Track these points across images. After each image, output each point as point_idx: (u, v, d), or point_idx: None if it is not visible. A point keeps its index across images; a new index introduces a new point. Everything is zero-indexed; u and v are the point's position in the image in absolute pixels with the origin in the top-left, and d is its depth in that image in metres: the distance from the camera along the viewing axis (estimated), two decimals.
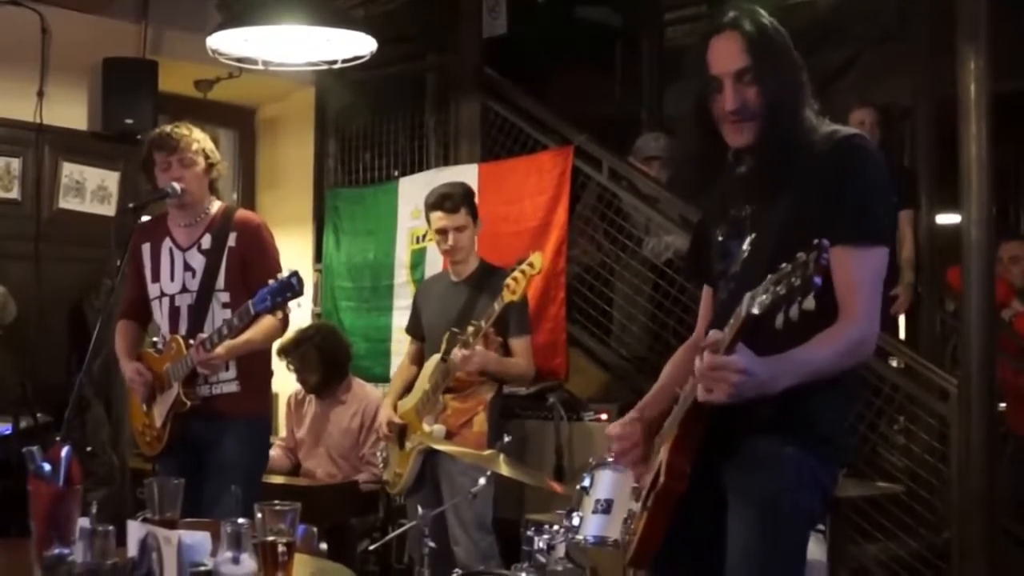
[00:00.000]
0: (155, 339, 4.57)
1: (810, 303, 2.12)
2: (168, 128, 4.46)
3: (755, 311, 2.19)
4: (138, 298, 4.54)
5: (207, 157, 4.43)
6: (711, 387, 2.29)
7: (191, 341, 4.26)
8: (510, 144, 6.48)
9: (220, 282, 4.36)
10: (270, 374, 4.62)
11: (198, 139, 4.42)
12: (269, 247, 4.47)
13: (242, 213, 4.52)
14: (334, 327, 6.24)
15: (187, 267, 4.40)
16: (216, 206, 4.50)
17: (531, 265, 4.48)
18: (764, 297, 2.16)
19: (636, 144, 6.58)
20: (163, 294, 4.43)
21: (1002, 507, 5.04)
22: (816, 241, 2.10)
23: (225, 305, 4.34)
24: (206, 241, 4.41)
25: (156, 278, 4.45)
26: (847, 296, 2.42)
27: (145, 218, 4.55)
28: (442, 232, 4.88)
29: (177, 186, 4.36)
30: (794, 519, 2.49)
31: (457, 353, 4.56)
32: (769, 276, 2.17)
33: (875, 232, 2.45)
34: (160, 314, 4.46)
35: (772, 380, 2.30)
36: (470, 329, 4.56)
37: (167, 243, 4.46)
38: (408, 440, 4.85)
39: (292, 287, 4.05)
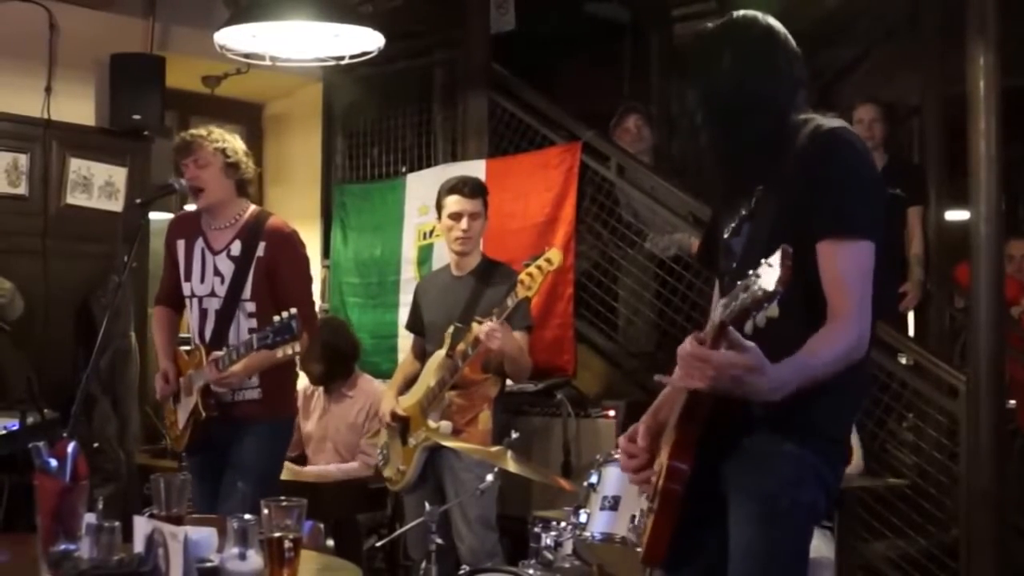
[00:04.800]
0: (187, 336, 4.58)
1: (774, 310, 2.12)
2: (187, 131, 4.46)
3: (725, 319, 2.20)
4: (173, 286, 4.56)
5: (226, 156, 4.38)
6: (690, 375, 2.29)
7: (212, 354, 4.29)
8: (518, 140, 6.48)
9: (247, 292, 4.35)
10: (294, 377, 4.62)
11: (216, 140, 4.38)
12: (297, 259, 4.46)
13: (274, 221, 4.46)
14: (343, 322, 6.23)
15: (216, 271, 4.40)
16: (249, 211, 4.47)
17: (548, 261, 4.46)
18: (733, 305, 2.17)
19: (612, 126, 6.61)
20: (193, 294, 4.45)
21: (1011, 504, 5.03)
22: (781, 247, 2.10)
23: (251, 315, 4.34)
24: (236, 248, 4.39)
25: (188, 277, 4.47)
26: (836, 294, 2.38)
27: (159, 215, 4.56)
28: (457, 216, 4.83)
29: (183, 182, 4.37)
30: (794, 516, 2.47)
31: (482, 327, 4.47)
32: (738, 283, 2.17)
33: (858, 225, 2.42)
34: (191, 314, 4.48)
35: (773, 390, 2.28)
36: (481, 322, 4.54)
37: (200, 243, 4.46)
38: (411, 436, 4.84)
39: (291, 330, 4.03)
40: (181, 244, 4.52)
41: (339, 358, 5.77)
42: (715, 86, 2.55)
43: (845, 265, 2.39)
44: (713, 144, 2.60)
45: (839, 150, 2.46)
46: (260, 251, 4.36)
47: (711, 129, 2.58)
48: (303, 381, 5.92)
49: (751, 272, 2.15)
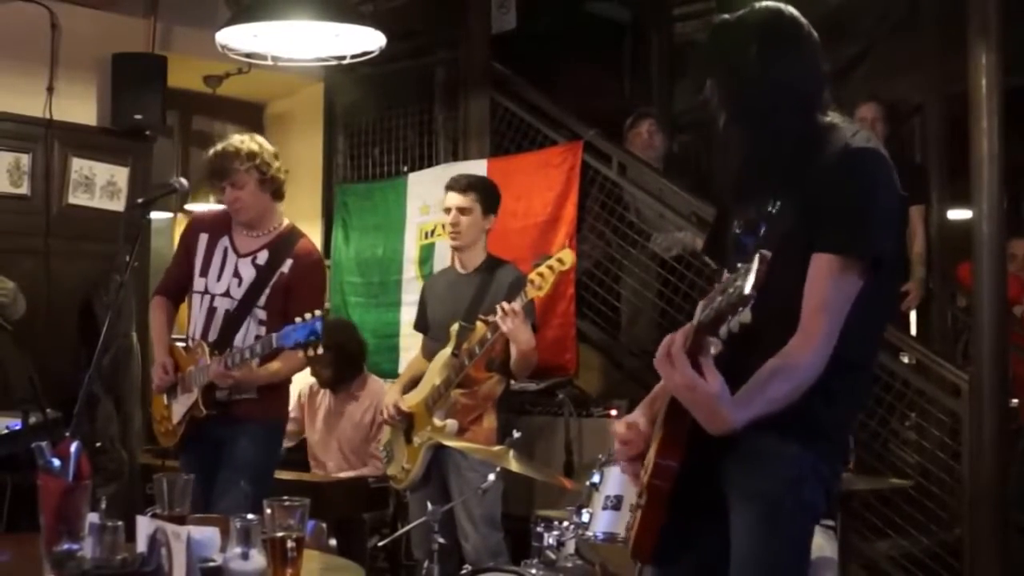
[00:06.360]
0: (181, 337, 4.58)
1: (746, 316, 2.10)
2: (218, 149, 4.44)
3: (703, 321, 2.20)
4: (180, 279, 4.57)
5: (260, 172, 4.41)
6: (659, 369, 2.32)
7: (216, 351, 4.29)
8: (519, 139, 6.48)
9: (262, 300, 4.37)
10: (289, 382, 4.62)
11: (245, 159, 4.39)
12: (318, 285, 4.51)
13: (305, 244, 4.51)
14: (350, 324, 6.22)
15: (236, 273, 4.41)
16: (284, 224, 4.51)
17: (560, 261, 4.45)
18: (710, 309, 2.16)
19: (625, 130, 6.62)
20: (206, 291, 4.45)
21: (1014, 503, 5.02)
22: (759, 253, 2.08)
23: (261, 322, 4.35)
24: (262, 256, 4.42)
25: (204, 273, 4.47)
26: (812, 314, 2.34)
27: (160, 215, 4.57)
28: (447, 211, 4.91)
29: (184, 182, 4.40)
30: (796, 517, 2.46)
31: (506, 306, 4.46)
32: (716, 286, 2.15)
33: (864, 248, 2.36)
34: (197, 310, 4.48)
35: (724, 420, 2.30)
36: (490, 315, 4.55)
37: (224, 242, 4.47)
38: (416, 435, 4.84)
39: (316, 332, 4.03)
40: (203, 238, 4.52)
41: (348, 359, 5.79)
42: (741, 80, 2.48)
43: (832, 290, 2.35)
44: (739, 140, 2.53)
45: (866, 172, 2.40)
46: (285, 268, 4.40)
47: (737, 124, 2.51)
48: (309, 380, 5.94)
49: (727, 275, 2.14)
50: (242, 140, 4.46)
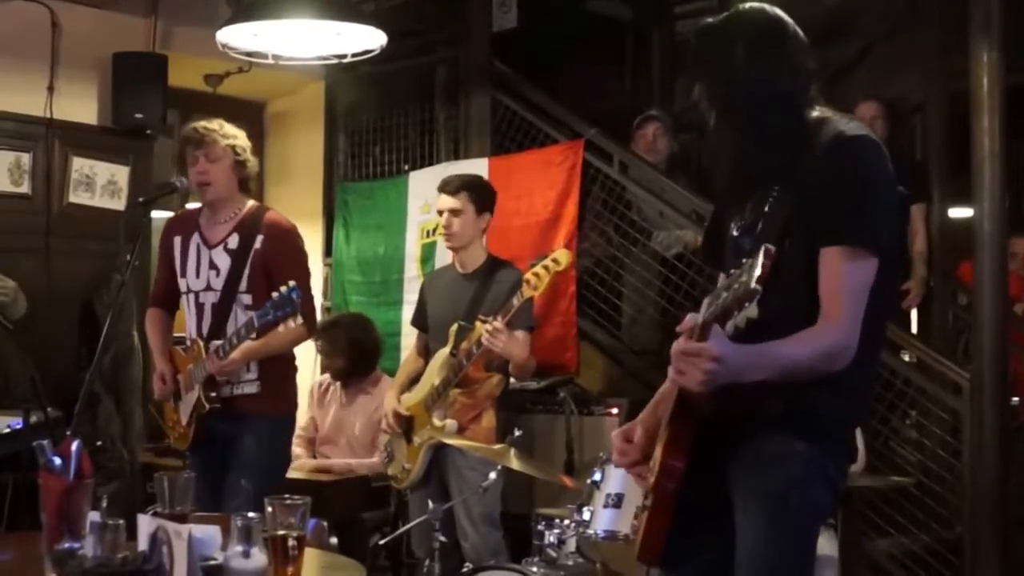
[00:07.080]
0: (182, 336, 4.58)
1: (753, 311, 2.10)
2: (199, 123, 4.48)
3: (708, 318, 2.20)
4: (168, 287, 4.57)
5: (236, 154, 4.42)
6: (683, 371, 2.28)
7: (211, 344, 4.29)
8: (520, 138, 6.48)
9: (243, 284, 4.35)
10: (293, 372, 4.60)
11: (227, 135, 4.43)
12: (296, 253, 4.45)
13: (272, 215, 4.49)
14: (369, 320, 6.20)
15: (212, 265, 4.40)
16: (248, 205, 4.49)
17: (556, 261, 4.46)
18: (715, 305, 2.15)
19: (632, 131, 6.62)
20: (189, 290, 4.45)
21: (1015, 501, 5.02)
22: (763, 247, 2.09)
23: (248, 307, 4.32)
24: (233, 241, 4.40)
25: (183, 273, 4.47)
26: (831, 302, 2.35)
27: (162, 214, 4.57)
28: (440, 213, 4.91)
29: (184, 180, 4.39)
30: (803, 514, 2.46)
31: (487, 327, 4.46)
32: (721, 281, 2.15)
33: (868, 236, 2.37)
34: (187, 310, 4.48)
35: (741, 372, 2.27)
36: (482, 323, 4.54)
37: (196, 238, 4.47)
38: (416, 434, 4.84)
39: (292, 302, 4.02)
40: (177, 241, 4.52)
41: (363, 355, 5.81)
42: (728, 81, 2.50)
43: (847, 276, 2.35)
44: (730, 141, 2.55)
45: (862, 160, 2.41)
46: (257, 244, 4.37)
47: (727, 126, 2.54)
48: (320, 377, 5.94)
49: (731, 271, 2.13)
50: (222, 124, 4.49)
